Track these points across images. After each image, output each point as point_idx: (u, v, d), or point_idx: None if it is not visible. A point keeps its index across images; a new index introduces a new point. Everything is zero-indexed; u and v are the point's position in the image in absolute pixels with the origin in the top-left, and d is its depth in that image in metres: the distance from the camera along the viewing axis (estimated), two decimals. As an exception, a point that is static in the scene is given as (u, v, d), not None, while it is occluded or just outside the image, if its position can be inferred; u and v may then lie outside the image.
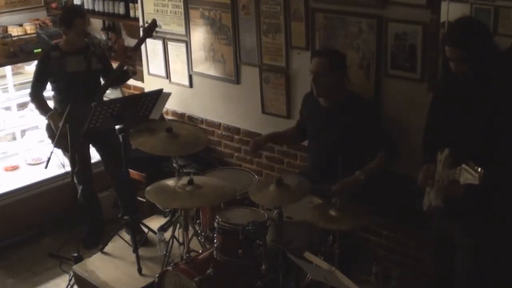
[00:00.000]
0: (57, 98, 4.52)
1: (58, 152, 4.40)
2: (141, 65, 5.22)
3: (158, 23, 4.45)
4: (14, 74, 5.26)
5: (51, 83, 4.50)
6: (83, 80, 4.14)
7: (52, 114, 4.39)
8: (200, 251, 3.69)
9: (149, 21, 4.46)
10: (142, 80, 5.29)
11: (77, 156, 4.28)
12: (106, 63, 4.61)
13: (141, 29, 4.51)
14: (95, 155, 4.85)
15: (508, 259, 2.96)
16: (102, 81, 4.61)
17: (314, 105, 3.80)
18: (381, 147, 3.65)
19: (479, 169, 2.53)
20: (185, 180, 3.39)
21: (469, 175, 2.58)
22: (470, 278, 3.01)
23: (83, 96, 4.13)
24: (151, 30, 4.41)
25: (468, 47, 2.74)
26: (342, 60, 3.67)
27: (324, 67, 3.59)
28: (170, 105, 5.05)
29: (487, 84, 2.80)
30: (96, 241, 4.60)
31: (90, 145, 4.63)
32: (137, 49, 4.52)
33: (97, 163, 4.96)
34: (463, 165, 2.61)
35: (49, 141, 4.57)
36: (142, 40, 4.48)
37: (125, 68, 4.46)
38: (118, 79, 4.62)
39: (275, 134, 4.08)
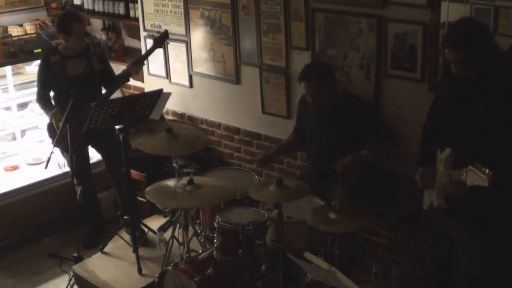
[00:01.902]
0: (58, 99, 4.51)
1: (57, 152, 4.39)
2: (141, 65, 5.22)
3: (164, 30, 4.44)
4: (14, 74, 5.25)
5: (52, 86, 4.49)
6: (85, 82, 4.13)
7: (56, 112, 4.37)
8: (200, 251, 3.68)
9: (161, 32, 4.44)
10: (142, 80, 5.29)
11: (76, 157, 4.27)
12: (106, 63, 4.61)
13: (152, 39, 4.45)
14: (95, 155, 4.85)
15: (508, 259, 2.96)
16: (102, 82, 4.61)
17: (311, 107, 3.80)
18: (382, 141, 3.66)
19: (487, 171, 2.50)
20: (185, 180, 3.39)
21: (477, 177, 2.55)
22: (470, 278, 3.00)
23: (85, 98, 4.12)
24: (162, 40, 4.40)
25: (468, 48, 2.74)
26: (329, 73, 3.69)
27: (315, 89, 3.64)
28: (170, 105, 5.04)
29: (488, 84, 2.80)
30: (96, 241, 4.60)
31: (90, 146, 4.62)
32: (145, 58, 4.52)
33: (97, 163, 4.96)
34: (470, 167, 2.59)
35: (49, 141, 4.56)
36: (151, 50, 4.44)
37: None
38: (122, 83, 4.64)
39: (281, 146, 4.13)
